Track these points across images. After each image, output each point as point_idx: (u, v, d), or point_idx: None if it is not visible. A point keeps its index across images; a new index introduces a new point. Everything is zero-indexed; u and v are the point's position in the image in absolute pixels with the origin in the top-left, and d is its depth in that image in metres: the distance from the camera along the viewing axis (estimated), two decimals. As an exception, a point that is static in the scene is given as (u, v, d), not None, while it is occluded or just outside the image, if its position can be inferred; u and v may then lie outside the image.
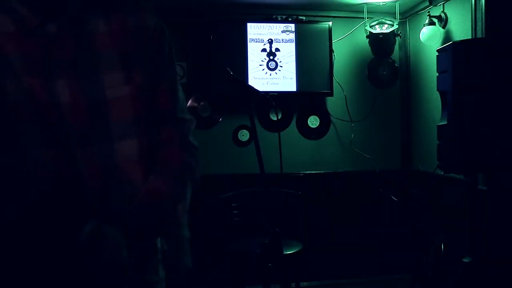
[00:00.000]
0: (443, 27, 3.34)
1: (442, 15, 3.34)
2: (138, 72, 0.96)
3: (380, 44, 3.71)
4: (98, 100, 0.90)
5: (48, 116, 0.86)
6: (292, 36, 3.72)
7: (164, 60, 1.02)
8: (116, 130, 0.91)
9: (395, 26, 3.69)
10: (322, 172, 3.87)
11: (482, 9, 2.89)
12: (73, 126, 0.87)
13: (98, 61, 0.91)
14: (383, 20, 3.71)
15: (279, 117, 3.80)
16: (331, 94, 3.78)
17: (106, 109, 0.90)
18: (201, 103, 3.69)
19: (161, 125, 1.00)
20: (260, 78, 3.66)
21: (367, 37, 3.76)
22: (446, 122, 2.49)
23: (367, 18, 3.72)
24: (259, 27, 3.68)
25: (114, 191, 0.91)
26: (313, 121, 3.86)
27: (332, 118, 3.88)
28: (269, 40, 3.70)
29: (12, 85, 0.84)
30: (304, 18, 3.80)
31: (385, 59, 3.85)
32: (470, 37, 2.99)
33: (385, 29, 3.70)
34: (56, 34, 0.89)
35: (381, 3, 3.62)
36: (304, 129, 3.85)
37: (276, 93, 3.62)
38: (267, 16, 3.75)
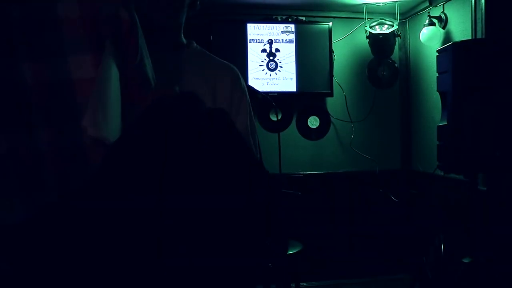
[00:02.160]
0: (443, 27, 3.34)
1: (442, 15, 3.34)
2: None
3: (380, 44, 3.72)
4: (62, 80, 0.90)
5: (11, 98, 0.88)
6: (292, 36, 3.73)
7: (131, 52, 1.02)
8: (83, 109, 0.92)
9: (395, 27, 3.69)
10: (322, 172, 3.87)
11: (482, 9, 2.90)
12: (37, 107, 0.88)
13: (63, 44, 0.91)
14: (383, 20, 3.71)
15: (279, 118, 3.81)
16: (331, 95, 3.78)
17: (71, 89, 0.91)
18: (201, 104, 3.69)
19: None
20: (260, 79, 3.67)
21: (367, 37, 3.76)
22: (446, 122, 2.49)
23: (367, 18, 3.73)
24: (259, 28, 3.69)
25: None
26: (313, 122, 3.86)
27: (332, 118, 3.88)
28: (269, 41, 3.70)
29: None
30: (304, 18, 3.80)
31: (385, 59, 3.86)
32: (470, 38, 3.00)
33: (385, 29, 3.70)
34: (19, 18, 0.90)
35: (381, 4, 3.62)
36: (304, 130, 3.86)
37: (276, 94, 3.62)
38: (267, 16, 3.76)
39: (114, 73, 0.95)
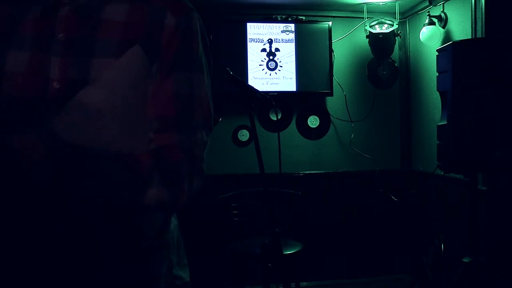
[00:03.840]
0: (443, 27, 3.34)
1: (442, 15, 3.34)
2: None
3: (380, 44, 3.71)
4: (81, 79, 0.89)
5: (29, 89, 0.89)
6: (292, 36, 3.72)
7: (166, 61, 0.95)
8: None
9: (395, 26, 3.69)
10: (322, 172, 3.87)
11: (482, 9, 2.89)
12: (52, 101, 0.88)
13: (94, 46, 0.91)
14: (383, 20, 3.71)
15: (279, 117, 3.80)
16: (331, 94, 3.78)
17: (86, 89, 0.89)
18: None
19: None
20: (260, 78, 3.66)
21: (367, 37, 3.76)
22: (446, 122, 2.49)
23: (367, 18, 3.72)
24: (259, 27, 3.68)
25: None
26: (313, 121, 3.86)
27: (332, 118, 3.88)
28: (269, 40, 3.70)
29: (11, 59, 0.90)
30: (304, 18, 3.80)
31: (385, 59, 3.85)
32: (470, 37, 2.99)
33: (385, 29, 3.69)
34: (65, 16, 0.92)
35: (381, 3, 3.62)
36: (304, 129, 3.85)
37: (276, 93, 3.62)
38: (267, 16, 3.75)
39: (126, 79, 0.90)
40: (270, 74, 3.69)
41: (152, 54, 0.92)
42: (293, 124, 3.84)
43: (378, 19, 3.71)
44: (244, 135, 3.75)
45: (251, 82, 3.60)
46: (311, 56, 3.74)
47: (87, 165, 0.81)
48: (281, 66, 3.70)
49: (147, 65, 0.91)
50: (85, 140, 0.84)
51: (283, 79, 3.70)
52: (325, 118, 3.87)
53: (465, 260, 2.49)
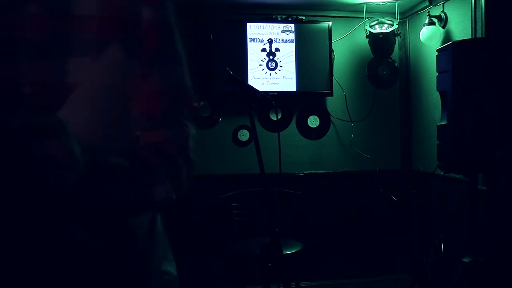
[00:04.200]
0: (443, 27, 3.34)
1: (442, 15, 3.34)
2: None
3: (380, 44, 3.71)
4: (57, 82, 0.83)
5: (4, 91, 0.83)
6: (292, 36, 3.72)
7: (148, 56, 0.91)
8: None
9: (395, 26, 3.69)
10: (322, 172, 3.87)
11: (482, 9, 2.89)
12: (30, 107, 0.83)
13: (68, 45, 0.84)
14: (383, 20, 3.71)
15: (279, 117, 3.80)
16: (331, 94, 3.78)
17: (65, 93, 0.82)
18: (201, 103, 3.69)
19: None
20: (260, 78, 3.66)
21: (367, 37, 3.76)
22: (446, 122, 2.49)
23: (367, 18, 3.72)
24: (259, 27, 3.68)
25: None
26: (313, 121, 3.86)
27: (332, 118, 3.88)
28: (269, 40, 3.70)
29: None
30: (304, 18, 3.80)
31: (385, 59, 3.85)
32: (470, 37, 2.99)
33: (385, 29, 3.70)
34: (32, 13, 0.84)
35: (381, 3, 3.62)
36: (304, 129, 3.85)
37: (276, 93, 3.62)
38: (267, 16, 3.75)
39: (107, 79, 0.84)
40: (270, 74, 3.69)
41: (132, 50, 0.87)
42: (293, 124, 3.84)
43: (378, 19, 3.72)
44: (244, 135, 3.75)
45: (251, 82, 3.60)
46: (311, 56, 3.74)
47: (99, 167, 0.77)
48: (281, 66, 3.70)
49: (128, 62, 0.87)
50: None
51: (283, 79, 3.70)
52: (325, 118, 3.87)
53: (465, 260, 2.49)
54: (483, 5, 2.88)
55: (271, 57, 3.70)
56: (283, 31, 3.72)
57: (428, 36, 3.35)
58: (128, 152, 0.84)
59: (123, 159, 0.82)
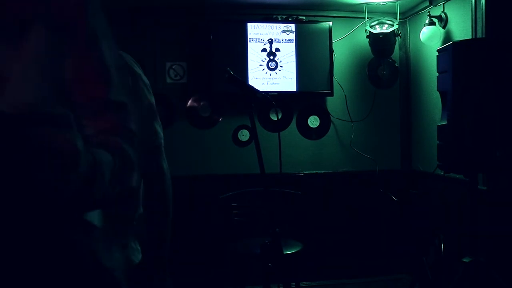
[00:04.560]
0: (443, 27, 3.34)
1: (442, 15, 3.34)
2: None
3: (380, 44, 3.71)
4: None
5: None
6: (292, 36, 3.72)
7: (80, 36, 0.83)
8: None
9: (395, 26, 3.69)
10: (322, 172, 3.87)
11: (482, 9, 2.89)
12: None
13: None
14: (383, 20, 3.71)
15: (279, 117, 3.80)
16: (331, 94, 3.78)
17: None
18: (201, 103, 3.69)
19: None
20: (260, 78, 3.66)
21: (367, 37, 3.76)
22: (446, 122, 2.49)
23: (367, 18, 3.72)
24: (259, 27, 3.68)
25: None
26: (313, 121, 3.86)
27: (332, 118, 3.88)
28: (269, 40, 3.70)
29: None
30: (304, 18, 3.80)
31: (385, 59, 3.85)
32: (470, 37, 2.99)
33: (385, 29, 3.69)
34: None
35: (381, 3, 3.62)
36: (304, 129, 3.85)
37: (276, 93, 3.62)
38: (267, 16, 3.75)
39: (34, 67, 0.76)
40: (270, 74, 3.69)
41: (58, 32, 0.79)
42: (293, 124, 3.84)
43: (378, 19, 3.72)
44: (244, 135, 3.75)
45: (252, 82, 3.60)
46: (312, 56, 3.74)
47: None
48: (281, 66, 3.70)
49: (56, 46, 0.78)
50: None
51: (284, 79, 3.70)
52: (325, 118, 3.87)
53: (465, 260, 2.49)
54: (483, 5, 2.88)
55: (271, 57, 3.70)
56: (283, 31, 3.72)
57: (428, 36, 3.35)
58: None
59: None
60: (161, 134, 1.66)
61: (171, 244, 1.61)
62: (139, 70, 1.60)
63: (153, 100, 1.66)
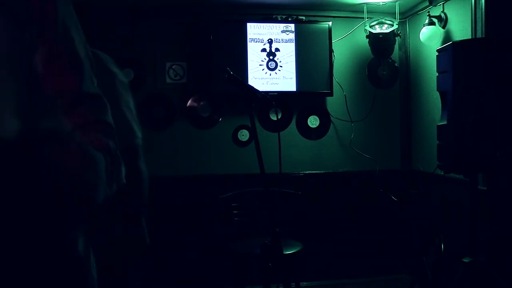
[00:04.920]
0: (443, 27, 3.34)
1: (442, 15, 3.34)
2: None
3: (380, 44, 3.71)
4: None
5: None
6: (292, 36, 3.72)
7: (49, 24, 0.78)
8: None
9: (395, 26, 3.69)
10: (322, 172, 3.87)
11: (482, 9, 2.89)
12: None
13: None
14: (383, 20, 3.71)
15: (279, 117, 3.80)
16: (331, 94, 3.78)
17: None
18: (201, 103, 3.69)
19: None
20: (260, 78, 3.66)
21: (367, 37, 3.76)
22: (446, 122, 2.49)
23: (367, 18, 3.72)
24: (259, 27, 3.68)
25: None
26: (313, 121, 3.86)
27: (332, 118, 3.88)
28: (269, 40, 3.69)
29: None
30: (304, 18, 3.80)
31: (385, 59, 3.85)
32: (470, 37, 2.99)
33: (385, 29, 3.69)
34: None
35: (381, 3, 3.62)
36: (304, 129, 3.85)
37: (276, 93, 3.62)
38: (267, 16, 3.75)
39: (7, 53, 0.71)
40: (270, 74, 3.69)
41: (21, 22, 0.73)
42: (293, 124, 3.84)
43: (378, 19, 3.71)
44: (244, 135, 3.75)
45: (251, 82, 3.60)
46: (311, 56, 3.74)
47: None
48: (281, 66, 3.70)
49: (19, 37, 0.72)
50: None
51: (283, 79, 3.70)
52: (325, 118, 3.87)
53: (465, 260, 2.49)
54: (483, 5, 2.88)
55: (271, 57, 3.70)
56: (283, 31, 3.72)
57: (428, 36, 3.35)
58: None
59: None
60: (139, 134, 1.62)
61: (171, 244, 1.61)
62: (115, 69, 1.59)
63: (130, 99, 1.62)
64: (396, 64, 3.94)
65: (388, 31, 3.68)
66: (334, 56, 3.80)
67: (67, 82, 0.79)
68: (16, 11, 0.73)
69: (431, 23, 3.34)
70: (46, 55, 0.77)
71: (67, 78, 0.79)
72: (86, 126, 0.81)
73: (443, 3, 3.33)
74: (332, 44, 3.76)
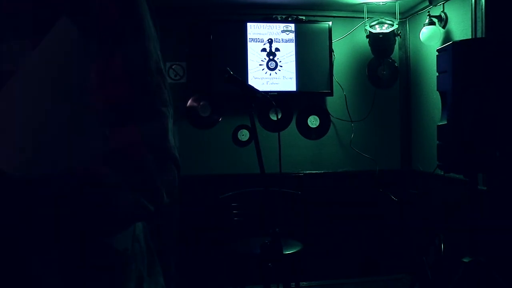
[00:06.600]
0: (443, 27, 3.34)
1: (442, 15, 3.34)
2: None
3: (380, 44, 3.71)
4: None
5: None
6: (292, 36, 3.72)
7: (121, 31, 0.73)
8: None
9: (395, 26, 3.69)
10: (322, 172, 3.87)
11: (482, 9, 2.89)
12: None
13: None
14: (383, 20, 3.71)
15: (279, 117, 3.80)
16: (331, 94, 3.78)
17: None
18: (201, 103, 3.69)
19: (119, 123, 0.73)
20: (260, 78, 3.66)
21: (367, 37, 3.76)
22: (446, 122, 2.49)
23: (367, 18, 3.72)
24: (259, 27, 3.68)
25: None
26: (313, 121, 3.86)
27: (332, 118, 3.88)
28: (269, 40, 3.69)
29: None
30: (304, 18, 3.80)
31: (385, 59, 3.85)
32: (470, 37, 2.99)
33: (385, 29, 3.69)
34: None
35: (381, 3, 3.62)
36: (304, 129, 3.85)
37: (276, 93, 3.62)
38: (267, 16, 3.75)
39: (56, 65, 0.65)
40: (270, 74, 3.69)
41: (86, 26, 0.69)
42: (293, 124, 3.84)
43: (378, 19, 3.71)
44: (244, 135, 3.75)
45: (251, 82, 3.60)
46: (311, 56, 3.74)
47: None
48: (281, 66, 3.70)
49: (82, 42, 0.67)
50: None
51: (283, 79, 3.70)
52: (325, 118, 3.87)
53: (465, 260, 2.49)
54: (483, 5, 2.88)
55: (271, 57, 3.70)
56: (283, 31, 3.72)
57: (428, 36, 3.35)
58: (77, 173, 0.67)
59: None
60: None
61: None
62: None
63: None
64: (396, 64, 3.94)
65: (388, 31, 3.68)
66: (334, 56, 3.80)
67: (120, 96, 0.73)
68: (78, 17, 0.68)
69: (431, 23, 3.34)
70: (104, 65, 0.71)
71: (122, 90, 0.73)
72: (128, 145, 0.73)
73: (443, 3, 3.33)
74: (332, 44, 3.76)
